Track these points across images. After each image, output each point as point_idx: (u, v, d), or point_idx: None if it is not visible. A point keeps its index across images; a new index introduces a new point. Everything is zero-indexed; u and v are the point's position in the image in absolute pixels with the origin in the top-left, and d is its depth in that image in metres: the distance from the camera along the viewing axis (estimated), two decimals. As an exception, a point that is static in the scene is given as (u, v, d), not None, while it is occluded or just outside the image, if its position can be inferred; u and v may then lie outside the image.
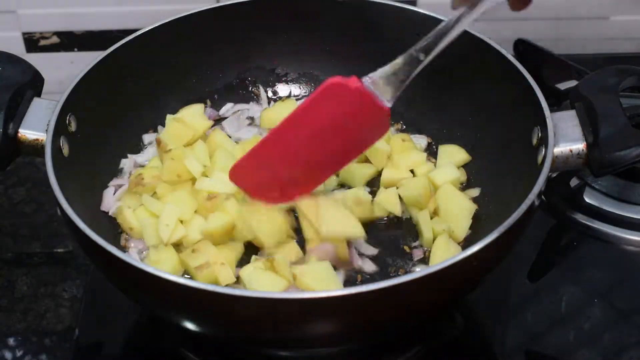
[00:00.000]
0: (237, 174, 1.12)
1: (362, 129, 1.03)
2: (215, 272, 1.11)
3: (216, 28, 1.33)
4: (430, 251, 1.17)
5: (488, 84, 1.25)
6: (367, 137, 1.05)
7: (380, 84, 1.01)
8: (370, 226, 1.22)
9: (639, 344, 1.16)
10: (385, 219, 1.23)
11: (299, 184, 1.10)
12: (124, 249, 1.18)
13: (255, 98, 1.41)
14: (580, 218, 1.29)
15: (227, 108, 1.39)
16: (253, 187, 1.12)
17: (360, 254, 1.18)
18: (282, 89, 1.42)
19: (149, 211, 1.18)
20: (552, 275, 1.25)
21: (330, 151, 1.05)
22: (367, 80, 1.01)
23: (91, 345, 1.18)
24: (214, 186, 1.19)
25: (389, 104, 1.01)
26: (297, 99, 1.41)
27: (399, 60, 1.02)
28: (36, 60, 1.19)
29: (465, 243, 1.19)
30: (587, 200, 1.32)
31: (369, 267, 1.17)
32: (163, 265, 1.12)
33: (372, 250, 1.18)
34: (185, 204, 1.18)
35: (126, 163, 1.28)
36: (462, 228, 1.18)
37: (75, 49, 1.58)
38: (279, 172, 1.08)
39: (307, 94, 1.41)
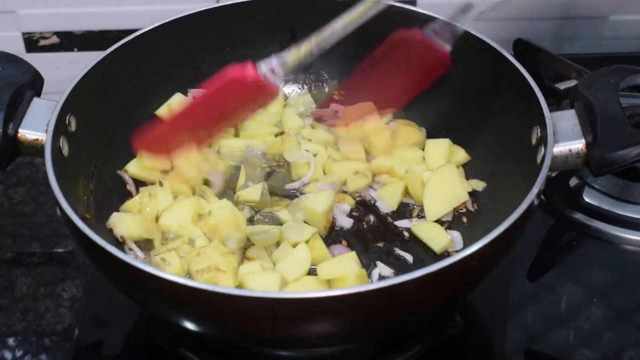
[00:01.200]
0: (147, 144, 1.18)
1: (254, 102, 1.15)
2: (216, 278, 1.10)
3: (216, 28, 1.33)
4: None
5: (488, 83, 1.25)
6: (257, 105, 1.18)
7: (275, 69, 1.09)
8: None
9: (639, 343, 1.16)
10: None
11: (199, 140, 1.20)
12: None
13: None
14: (580, 218, 1.30)
15: None
16: (162, 150, 1.20)
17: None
18: (282, 89, 1.42)
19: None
20: (552, 275, 1.25)
21: (228, 114, 1.17)
22: (263, 68, 1.09)
23: (91, 345, 1.18)
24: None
25: (278, 83, 1.11)
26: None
27: (298, 50, 1.10)
28: (36, 60, 1.19)
29: (466, 243, 1.19)
30: (586, 199, 1.32)
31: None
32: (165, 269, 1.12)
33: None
34: (185, 209, 1.19)
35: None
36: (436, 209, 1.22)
37: (75, 49, 1.58)
38: (185, 136, 1.17)
39: (306, 93, 1.41)
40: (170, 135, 1.17)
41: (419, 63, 1.19)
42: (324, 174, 1.28)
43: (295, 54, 1.10)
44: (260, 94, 1.12)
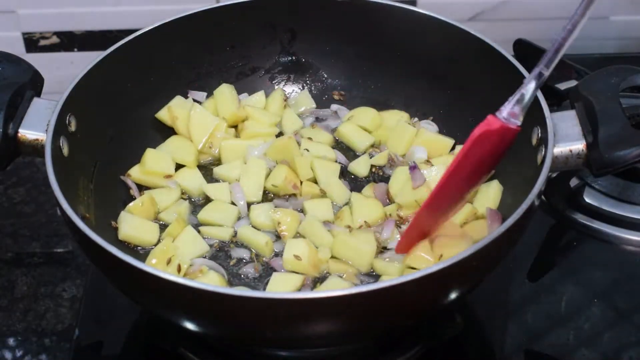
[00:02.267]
0: (406, 245, 1.14)
1: (499, 154, 1.09)
2: None
3: (216, 28, 1.33)
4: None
5: (488, 84, 1.25)
6: (500, 157, 1.10)
7: (513, 111, 1.05)
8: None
9: (638, 343, 1.16)
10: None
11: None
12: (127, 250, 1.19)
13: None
14: (580, 218, 1.29)
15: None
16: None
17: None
18: (283, 89, 1.41)
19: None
20: (552, 275, 1.25)
21: (475, 181, 1.11)
22: (502, 115, 1.05)
23: (91, 345, 1.18)
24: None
25: (519, 122, 1.05)
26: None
27: (527, 84, 1.05)
28: (36, 60, 1.19)
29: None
30: (587, 200, 1.32)
31: None
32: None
33: None
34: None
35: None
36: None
37: (75, 49, 1.58)
38: (437, 221, 1.13)
39: (306, 93, 1.41)
40: (429, 221, 1.12)
41: (498, 149, 1.08)
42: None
43: (530, 89, 1.05)
44: (507, 142, 1.06)
